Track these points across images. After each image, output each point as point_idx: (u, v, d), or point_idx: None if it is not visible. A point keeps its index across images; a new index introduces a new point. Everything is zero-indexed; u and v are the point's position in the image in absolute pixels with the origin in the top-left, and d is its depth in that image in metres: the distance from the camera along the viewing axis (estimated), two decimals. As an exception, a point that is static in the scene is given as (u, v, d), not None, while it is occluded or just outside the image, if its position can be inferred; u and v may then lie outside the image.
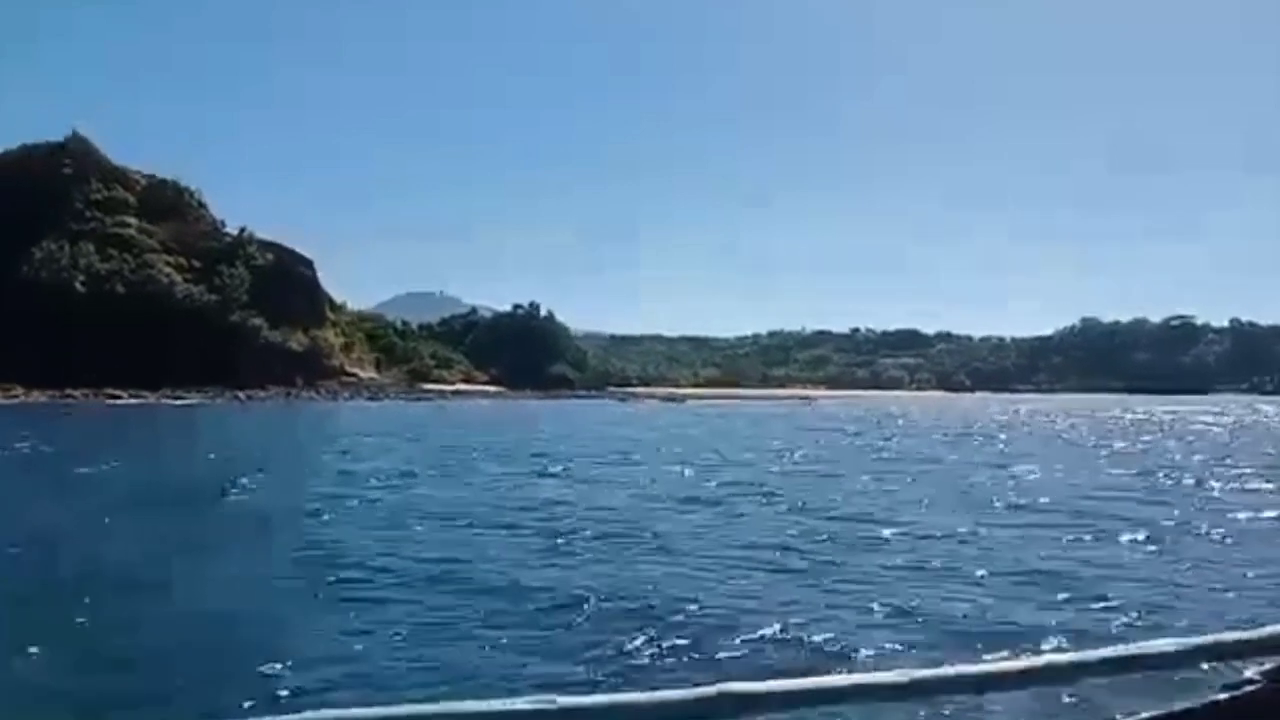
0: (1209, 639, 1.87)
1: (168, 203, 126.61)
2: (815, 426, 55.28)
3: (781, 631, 9.02)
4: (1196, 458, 32.04)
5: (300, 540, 14.70)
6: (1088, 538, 14.84)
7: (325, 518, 17.01)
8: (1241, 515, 17.26)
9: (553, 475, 24.96)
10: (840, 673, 1.51)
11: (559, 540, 14.47)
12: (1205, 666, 1.93)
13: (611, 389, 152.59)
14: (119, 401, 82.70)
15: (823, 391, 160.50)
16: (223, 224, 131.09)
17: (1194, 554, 13.34)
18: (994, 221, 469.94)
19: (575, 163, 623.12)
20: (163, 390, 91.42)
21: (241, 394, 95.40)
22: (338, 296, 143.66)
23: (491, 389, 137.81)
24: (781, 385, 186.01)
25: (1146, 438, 45.16)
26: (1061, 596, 10.66)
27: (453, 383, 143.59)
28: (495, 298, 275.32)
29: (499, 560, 12.76)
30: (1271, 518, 17.08)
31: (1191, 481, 23.78)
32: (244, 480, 21.99)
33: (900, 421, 62.63)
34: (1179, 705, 2.03)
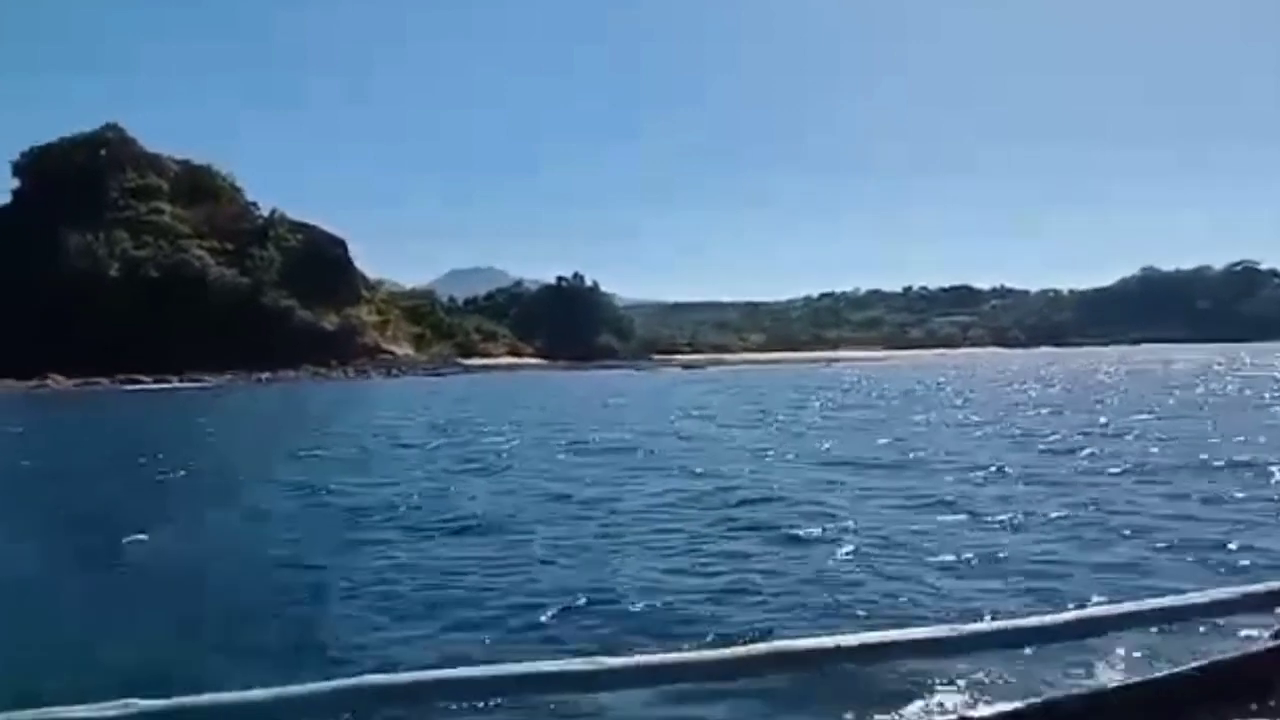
0: (1255, 588, 1.96)
1: (201, 187, 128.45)
2: (800, 386, 53.93)
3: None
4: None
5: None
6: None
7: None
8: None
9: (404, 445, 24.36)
10: (885, 629, 1.57)
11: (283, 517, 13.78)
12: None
13: (657, 356, 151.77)
14: (139, 387, 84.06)
15: (862, 353, 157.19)
16: (256, 206, 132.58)
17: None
18: (1054, 171, 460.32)
19: (627, 134, 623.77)
20: (189, 374, 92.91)
21: (263, 375, 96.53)
22: (389, 275, 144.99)
23: (527, 361, 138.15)
24: (835, 347, 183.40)
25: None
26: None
27: (498, 356, 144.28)
28: (546, 271, 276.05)
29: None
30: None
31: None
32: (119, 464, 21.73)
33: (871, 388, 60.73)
34: (1229, 654, 2.21)
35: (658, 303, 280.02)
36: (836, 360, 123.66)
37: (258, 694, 1.34)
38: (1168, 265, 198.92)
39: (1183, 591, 2.21)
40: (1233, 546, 9.87)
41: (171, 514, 13.89)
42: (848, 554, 10.06)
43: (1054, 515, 12.01)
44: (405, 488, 16.52)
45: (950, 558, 9.79)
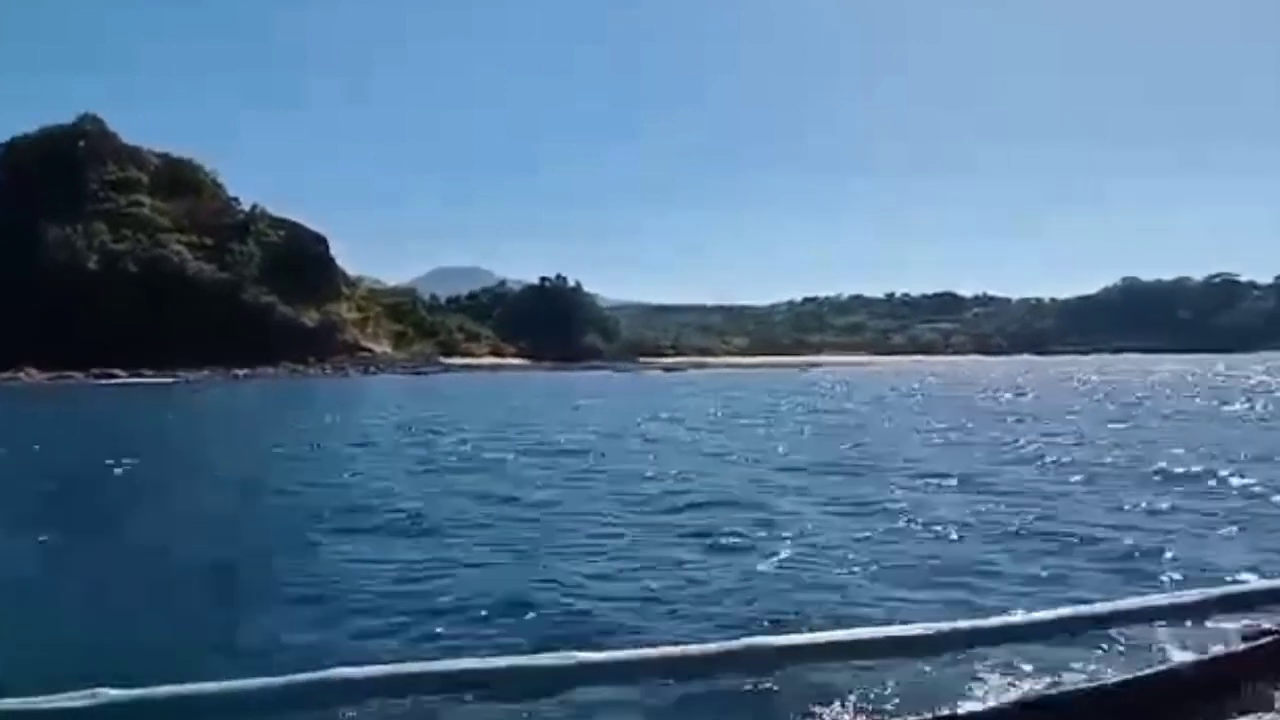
0: (1225, 590, 1.97)
1: (182, 181, 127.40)
2: (774, 390, 53.83)
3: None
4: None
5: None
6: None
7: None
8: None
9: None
10: (860, 626, 1.60)
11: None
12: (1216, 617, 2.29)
13: (641, 359, 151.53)
14: (113, 381, 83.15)
15: (843, 358, 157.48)
16: (236, 201, 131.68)
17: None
18: (1036, 183, 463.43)
19: (626, 134, 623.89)
20: (166, 369, 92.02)
21: (241, 371, 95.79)
22: (385, 274, 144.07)
23: (508, 361, 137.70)
24: (817, 351, 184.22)
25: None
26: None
27: (481, 356, 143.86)
28: (531, 271, 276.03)
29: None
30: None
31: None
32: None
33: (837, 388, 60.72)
34: (1198, 655, 2.26)
35: (644, 304, 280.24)
36: (817, 365, 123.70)
37: (227, 685, 1.34)
38: (1157, 273, 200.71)
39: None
40: (1167, 556, 9.74)
41: (96, 510, 13.62)
42: (777, 562, 9.86)
43: (996, 523, 11.86)
44: (349, 488, 16.29)
45: (878, 566, 9.62)
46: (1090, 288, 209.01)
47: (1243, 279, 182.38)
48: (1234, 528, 11.19)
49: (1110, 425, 27.17)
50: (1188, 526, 11.40)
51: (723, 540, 11.07)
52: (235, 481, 17.24)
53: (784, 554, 10.18)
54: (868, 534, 11.37)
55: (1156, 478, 15.91)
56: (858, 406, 38.97)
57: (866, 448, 21.69)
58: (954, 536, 11.21)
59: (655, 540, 11.38)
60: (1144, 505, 13.04)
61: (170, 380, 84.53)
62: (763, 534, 11.34)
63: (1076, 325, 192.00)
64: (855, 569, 9.53)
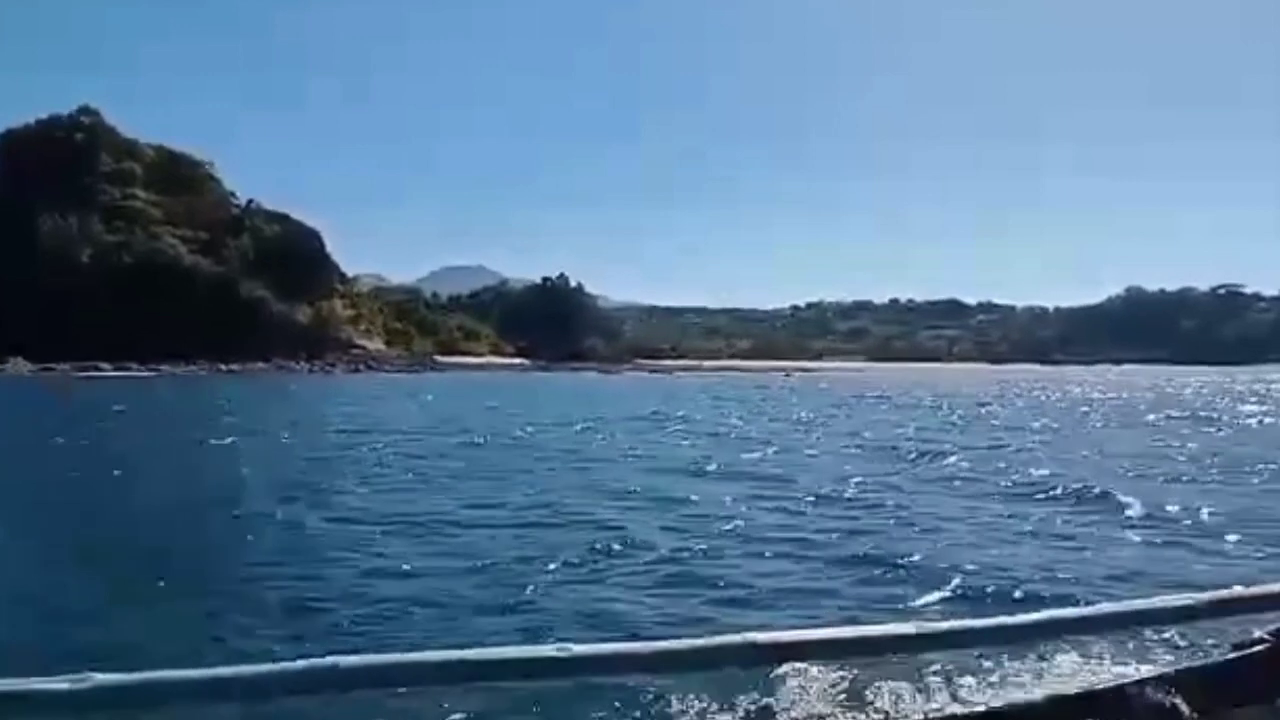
0: (1216, 595, 1.93)
1: (178, 174, 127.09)
2: (736, 395, 53.35)
3: None
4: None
5: None
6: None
7: None
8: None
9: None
10: (858, 624, 1.66)
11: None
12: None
13: (640, 360, 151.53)
14: (96, 374, 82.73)
15: (837, 364, 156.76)
16: (233, 196, 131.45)
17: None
18: (1038, 183, 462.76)
19: (627, 134, 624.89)
20: (153, 363, 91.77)
21: (226, 366, 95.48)
22: (382, 271, 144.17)
23: (497, 361, 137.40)
24: (819, 357, 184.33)
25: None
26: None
27: (480, 355, 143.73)
28: (536, 270, 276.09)
29: None
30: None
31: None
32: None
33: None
34: (1188, 662, 2.15)
35: (651, 306, 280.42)
36: (808, 370, 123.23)
37: (215, 671, 1.35)
38: (1161, 276, 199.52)
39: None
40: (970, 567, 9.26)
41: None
42: (543, 578, 9.16)
43: (818, 539, 11.24)
44: (189, 487, 15.70)
45: (646, 580, 9.10)
46: (1094, 292, 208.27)
47: (1247, 290, 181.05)
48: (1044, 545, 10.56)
49: (1047, 437, 26.47)
50: (1013, 539, 10.91)
51: (509, 556, 10.31)
52: (128, 476, 16.87)
53: (546, 573, 9.43)
54: (666, 551, 10.61)
55: (1038, 493, 15.26)
56: (805, 414, 38.19)
57: (769, 458, 20.96)
58: (766, 553, 10.52)
59: (436, 565, 10.33)
60: (996, 522, 12.50)
61: (152, 374, 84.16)
62: (565, 549, 10.52)
63: (1080, 335, 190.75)
64: (615, 582, 8.99)
